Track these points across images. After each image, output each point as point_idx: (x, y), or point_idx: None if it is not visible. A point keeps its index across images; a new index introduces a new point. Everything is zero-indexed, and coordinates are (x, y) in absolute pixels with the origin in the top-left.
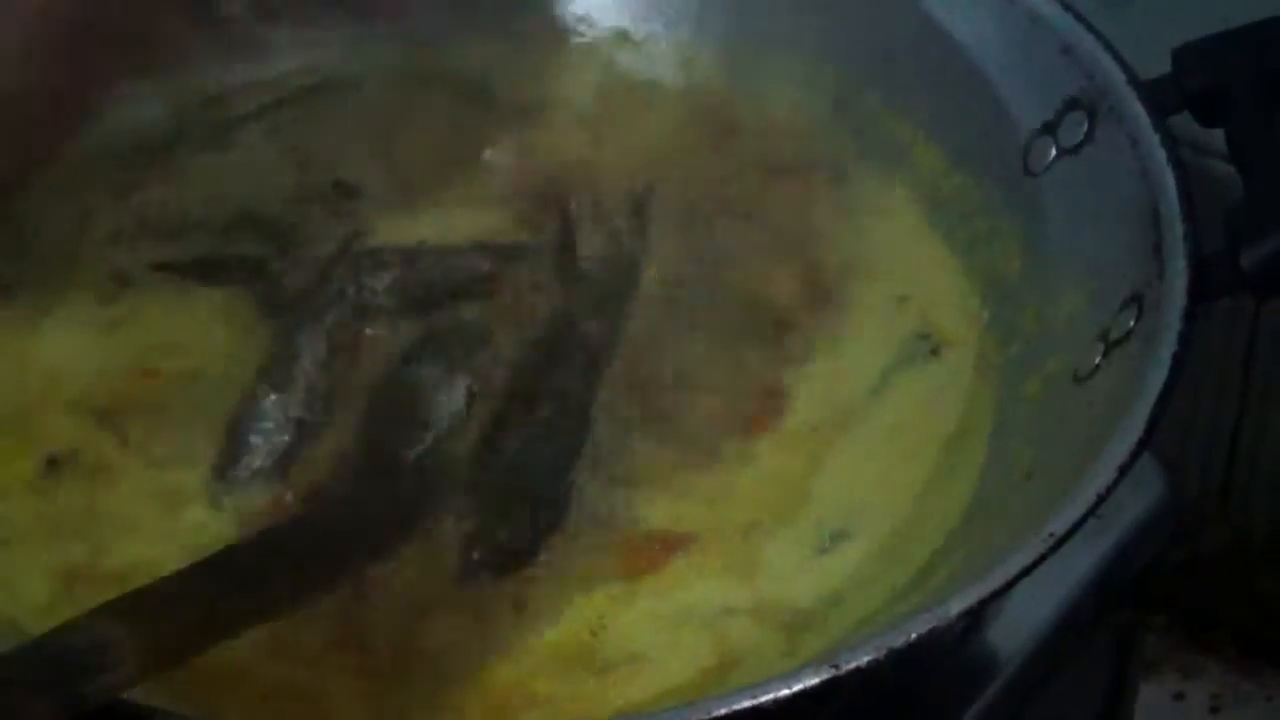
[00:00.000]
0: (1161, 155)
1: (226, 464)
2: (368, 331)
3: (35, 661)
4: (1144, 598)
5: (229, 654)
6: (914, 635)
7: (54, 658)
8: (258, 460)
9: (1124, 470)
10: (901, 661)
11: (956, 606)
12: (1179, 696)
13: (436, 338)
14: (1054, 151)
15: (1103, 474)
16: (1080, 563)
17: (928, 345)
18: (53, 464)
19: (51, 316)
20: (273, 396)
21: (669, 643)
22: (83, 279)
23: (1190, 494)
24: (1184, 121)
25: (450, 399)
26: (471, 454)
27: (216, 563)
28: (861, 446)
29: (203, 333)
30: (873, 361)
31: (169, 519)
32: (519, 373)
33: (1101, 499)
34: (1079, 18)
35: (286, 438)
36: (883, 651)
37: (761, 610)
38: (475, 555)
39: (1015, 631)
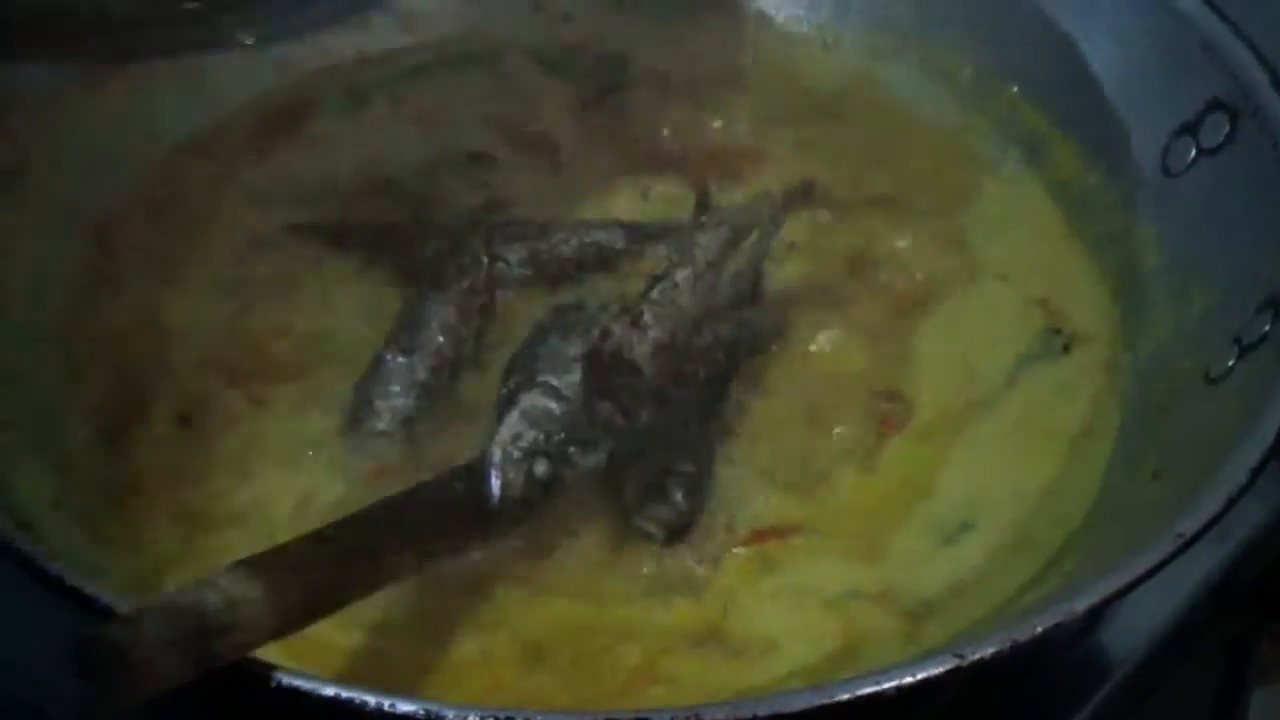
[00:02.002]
0: None
1: (351, 424)
2: (498, 301)
3: (170, 616)
4: (1260, 604)
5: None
6: (1039, 629)
7: (188, 614)
8: (382, 422)
9: (1255, 474)
10: (1022, 656)
11: (1083, 603)
12: None
13: (568, 311)
14: (1194, 152)
15: (1233, 476)
16: (1198, 566)
17: (1060, 341)
18: (184, 419)
19: (188, 275)
20: (400, 360)
21: (796, 625)
22: (218, 240)
23: None
24: None
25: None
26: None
27: (344, 527)
28: (988, 440)
29: (334, 296)
30: (1003, 356)
31: (292, 474)
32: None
33: (1232, 502)
34: (1224, 18)
35: (411, 401)
36: (1007, 644)
37: (886, 596)
38: (640, 527)
39: (1130, 633)
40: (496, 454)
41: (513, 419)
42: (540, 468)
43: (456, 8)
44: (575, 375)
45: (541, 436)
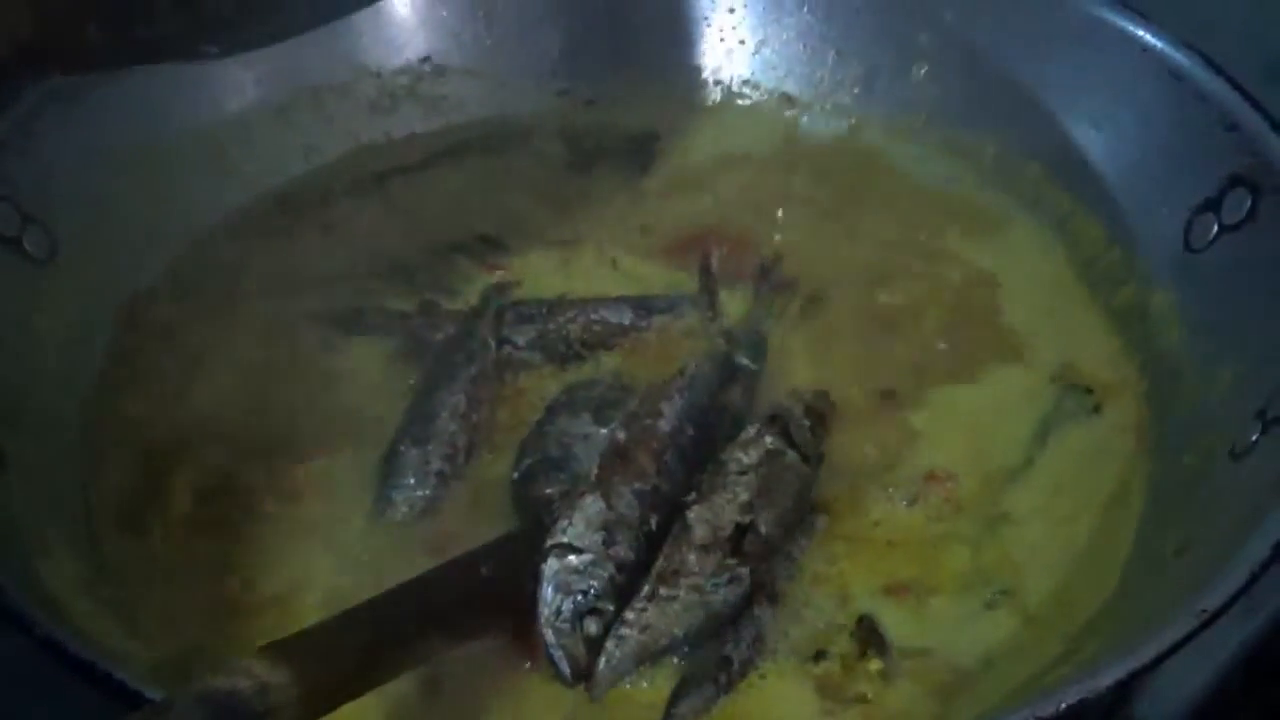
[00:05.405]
0: None
1: (373, 515)
2: (508, 382)
3: (202, 703)
4: None
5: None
6: (1063, 705)
7: (220, 700)
8: (399, 514)
9: (1279, 548)
10: None
11: (1107, 678)
12: None
13: (578, 390)
14: (1216, 228)
15: (1256, 552)
16: (1229, 638)
17: (1091, 401)
18: (207, 501)
19: (209, 357)
20: (414, 452)
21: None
22: (240, 323)
23: None
24: None
25: (593, 452)
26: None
27: (370, 609)
28: (1023, 505)
29: (354, 378)
30: (1030, 425)
31: (315, 554)
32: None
33: (1255, 577)
34: (1246, 95)
35: (429, 491)
36: None
37: (921, 668)
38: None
39: (1163, 705)
40: (549, 635)
41: (546, 595)
42: (592, 627)
43: (482, 93)
44: (581, 525)
45: (579, 599)
